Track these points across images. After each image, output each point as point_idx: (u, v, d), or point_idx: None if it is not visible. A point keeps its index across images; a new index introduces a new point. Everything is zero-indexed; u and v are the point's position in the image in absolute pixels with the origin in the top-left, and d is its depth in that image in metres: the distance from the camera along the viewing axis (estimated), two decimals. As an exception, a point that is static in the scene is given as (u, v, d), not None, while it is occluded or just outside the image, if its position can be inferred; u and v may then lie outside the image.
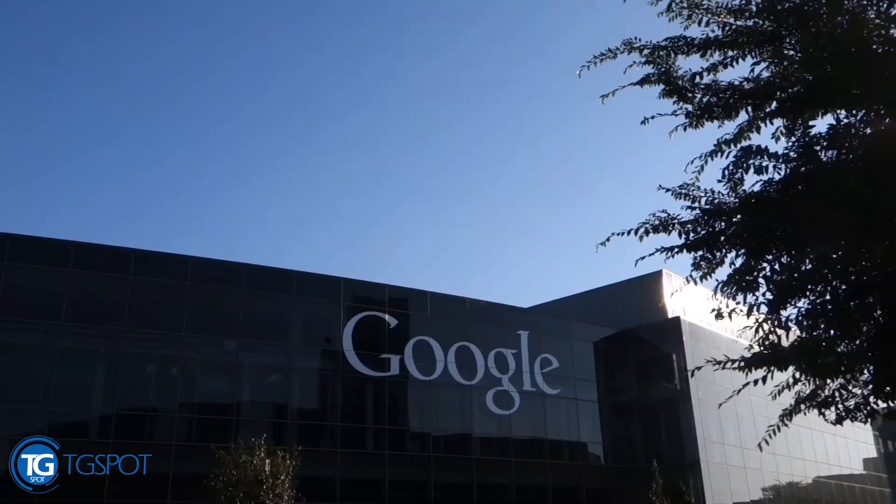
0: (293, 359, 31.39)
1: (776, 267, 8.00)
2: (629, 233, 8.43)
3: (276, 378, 31.47)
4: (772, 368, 8.15)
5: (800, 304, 7.98)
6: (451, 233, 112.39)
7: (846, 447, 48.62)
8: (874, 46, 6.70)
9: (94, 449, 26.20)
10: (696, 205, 8.29)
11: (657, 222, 8.35)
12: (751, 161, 7.59)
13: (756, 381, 8.42)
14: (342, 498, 29.05)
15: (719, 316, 8.27)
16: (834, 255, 7.48)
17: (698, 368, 9.28)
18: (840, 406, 8.29)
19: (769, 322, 8.21)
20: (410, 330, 33.89)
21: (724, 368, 8.54)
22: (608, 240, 8.70)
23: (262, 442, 16.60)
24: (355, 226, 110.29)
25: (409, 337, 33.61)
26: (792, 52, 7.49)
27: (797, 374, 8.24)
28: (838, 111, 7.31)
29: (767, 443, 9.05)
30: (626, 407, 41.17)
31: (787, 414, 8.56)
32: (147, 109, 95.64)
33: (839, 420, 8.41)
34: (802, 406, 8.54)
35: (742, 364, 8.19)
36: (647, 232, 8.37)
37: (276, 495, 15.45)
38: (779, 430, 8.80)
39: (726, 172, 7.74)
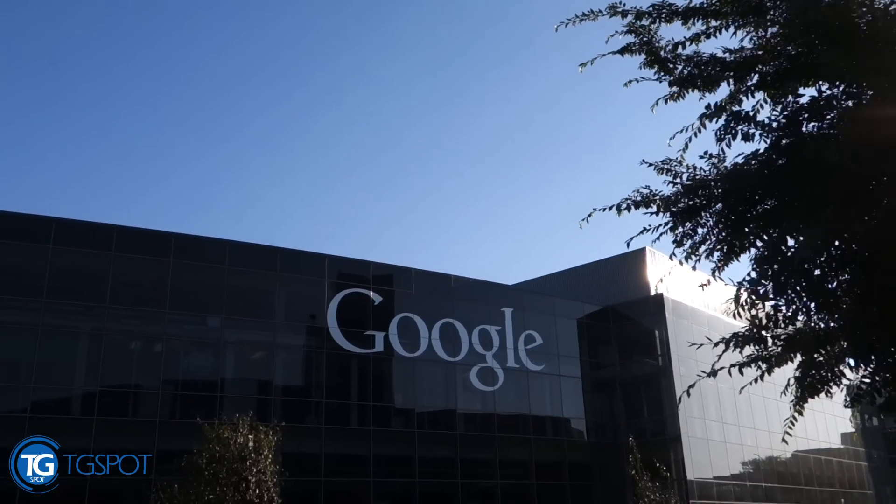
0: (277, 335, 31.32)
1: (758, 242, 8.01)
2: (611, 208, 8.47)
3: (261, 355, 31.42)
4: (759, 349, 8.11)
5: (781, 278, 7.97)
6: (436, 211, 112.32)
7: (825, 422, 49.36)
8: (858, 18, 6.68)
9: (78, 426, 26.21)
10: (678, 180, 8.31)
11: (639, 198, 8.38)
12: (739, 127, 7.59)
13: (728, 369, 8.36)
14: (327, 473, 29.20)
15: (709, 280, 8.22)
16: (815, 231, 7.47)
17: (709, 363, 8.99)
18: (833, 386, 8.09)
19: (748, 293, 8.16)
20: (395, 307, 33.90)
21: (714, 345, 8.45)
22: (590, 215, 8.72)
23: (247, 418, 16.60)
24: (340, 204, 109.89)
25: (393, 314, 33.62)
26: (775, 20, 7.44)
27: (795, 360, 8.06)
28: (820, 83, 7.30)
29: (790, 433, 8.77)
30: (608, 383, 41.52)
31: (797, 401, 8.20)
32: (135, 88, 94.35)
33: (856, 401, 8.09)
34: (805, 392, 8.21)
35: (734, 342, 8.05)
36: (628, 208, 8.40)
37: (259, 471, 15.47)
38: (795, 421, 8.37)
39: (719, 134, 7.72)
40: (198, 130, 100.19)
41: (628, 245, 9.15)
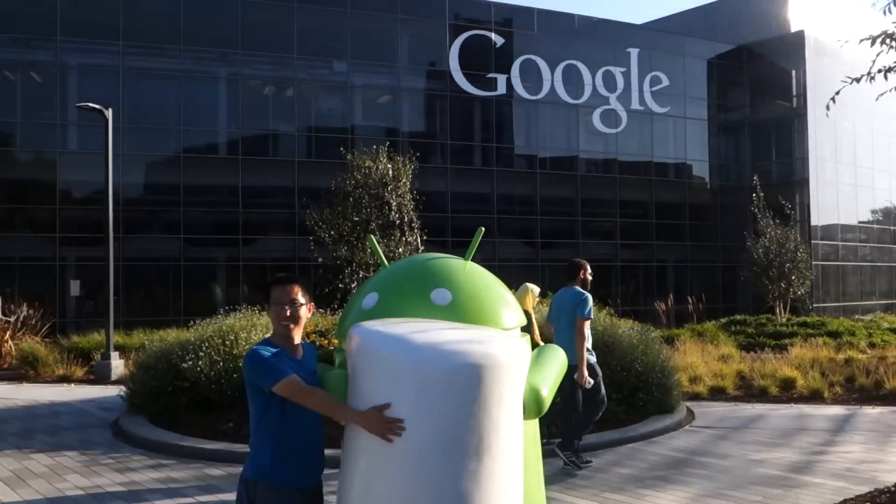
0: (401, 79, 31.83)
1: None
2: None
3: (387, 98, 32.23)
4: None
5: None
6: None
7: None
8: None
9: (226, 164, 28.60)
10: None
11: None
12: None
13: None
14: (453, 210, 30.93)
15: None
16: None
17: (837, 93, 8.68)
18: None
19: None
20: (516, 49, 33.32)
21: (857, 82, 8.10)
22: None
23: (384, 149, 17.69)
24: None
25: (515, 56, 33.16)
26: None
27: None
28: None
29: None
30: (737, 126, 40.27)
31: None
32: None
33: None
34: None
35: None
36: None
37: (399, 195, 16.76)
38: None
39: None
40: None
41: None
